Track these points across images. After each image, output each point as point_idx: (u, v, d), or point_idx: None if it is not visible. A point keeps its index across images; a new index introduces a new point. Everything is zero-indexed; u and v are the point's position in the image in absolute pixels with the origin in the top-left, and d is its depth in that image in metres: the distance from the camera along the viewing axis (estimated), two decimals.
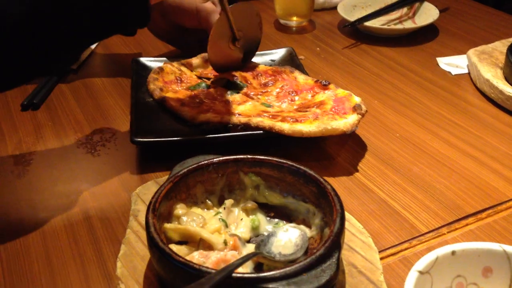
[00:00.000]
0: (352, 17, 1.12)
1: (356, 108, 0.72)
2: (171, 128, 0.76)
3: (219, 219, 0.59)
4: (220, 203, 0.61)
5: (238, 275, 0.47)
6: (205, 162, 0.60)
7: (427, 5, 1.17)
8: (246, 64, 0.90)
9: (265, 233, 0.59)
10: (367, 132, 0.80)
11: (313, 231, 0.57)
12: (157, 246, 0.50)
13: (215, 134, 0.73)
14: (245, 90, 0.83)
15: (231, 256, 0.53)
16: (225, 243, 0.55)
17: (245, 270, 0.53)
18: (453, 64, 1.00)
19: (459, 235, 0.62)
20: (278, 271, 0.47)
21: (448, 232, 0.62)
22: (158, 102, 0.81)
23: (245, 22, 0.87)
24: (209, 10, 0.90)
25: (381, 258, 0.58)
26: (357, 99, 0.75)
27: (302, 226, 0.59)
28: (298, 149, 0.75)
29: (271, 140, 0.72)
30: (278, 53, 0.97)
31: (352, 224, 0.61)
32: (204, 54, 0.93)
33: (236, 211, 0.61)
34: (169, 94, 0.82)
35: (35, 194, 0.69)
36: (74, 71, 0.99)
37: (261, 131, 0.72)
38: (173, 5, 0.92)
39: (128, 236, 0.59)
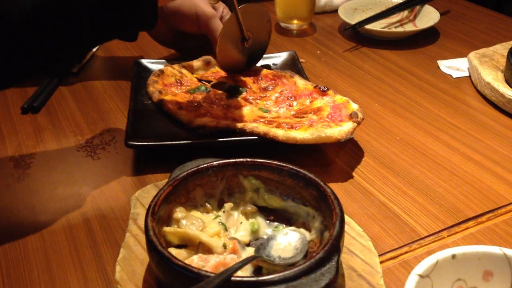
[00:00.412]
0: (352, 20, 1.12)
1: (352, 116, 0.72)
2: (168, 131, 0.76)
3: (219, 222, 0.58)
4: (220, 206, 0.61)
5: (237, 278, 0.47)
6: (204, 165, 0.60)
7: (428, 8, 1.17)
8: (250, 69, 0.90)
9: (265, 237, 0.59)
10: (367, 135, 0.80)
11: (312, 235, 0.57)
12: (156, 249, 0.49)
13: (211, 138, 0.73)
14: (244, 94, 0.83)
15: (231, 259, 0.53)
16: (225, 246, 0.55)
17: (245, 273, 0.53)
18: (454, 67, 0.99)
19: (459, 239, 0.61)
20: (277, 275, 0.46)
21: (448, 236, 0.62)
22: (156, 105, 0.81)
23: (255, 24, 0.87)
24: (209, 15, 0.90)
25: (381, 262, 0.58)
26: (354, 106, 0.75)
27: (301, 230, 0.59)
28: (297, 152, 0.75)
29: (271, 144, 0.72)
30: (281, 57, 0.97)
31: (352, 227, 0.60)
32: (206, 57, 0.93)
33: (236, 214, 0.61)
34: (168, 97, 0.82)
35: (34, 197, 0.69)
36: (74, 74, 0.99)
37: (256, 137, 0.72)
38: (172, 10, 0.92)
39: (127, 239, 0.59)
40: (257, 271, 0.54)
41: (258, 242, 0.58)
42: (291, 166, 0.60)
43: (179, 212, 0.58)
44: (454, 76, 0.97)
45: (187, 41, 0.99)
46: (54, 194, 0.70)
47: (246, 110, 0.78)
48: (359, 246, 0.58)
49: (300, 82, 0.84)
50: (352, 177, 0.72)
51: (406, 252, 0.60)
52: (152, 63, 0.94)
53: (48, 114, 0.87)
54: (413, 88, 0.93)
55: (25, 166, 0.75)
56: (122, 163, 0.75)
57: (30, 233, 0.63)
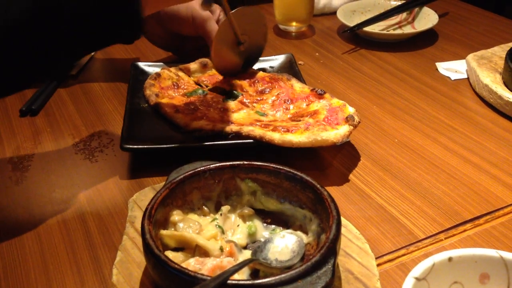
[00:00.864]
0: (351, 22, 1.12)
1: (348, 119, 0.72)
2: (164, 134, 0.76)
3: (216, 225, 0.58)
4: (217, 209, 0.61)
5: (233, 282, 0.47)
6: (201, 168, 0.60)
7: (426, 10, 1.17)
8: (246, 71, 0.90)
9: (262, 239, 0.59)
10: (365, 138, 0.80)
11: (309, 237, 0.57)
12: (152, 253, 0.49)
13: (208, 141, 0.73)
14: (240, 97, 0.83)
15: (227, 262, 0.53)
16: (221, 249, 0.55)
17: (241, 276, 0.53)
18: (452, 69, 0.99)
19: (456, 241, 0.61)
20: (273, 278, 0.46)
21: (445, 238, 0.62)
22: (152, 108, 0.82)
23: (251, 27, 0.87)
24: (205, 18, 0.90)
25: (379, 264, 0.58)
26: (351, 110, 0.75)
27: (298, 232, 0.59)
28: (295, 155, 0.75)
29: (267, 147, 0.72)
30: (278, 60, 0.97)
31: (349, 230, 0.60)
32: (202, 59, 0.93)
33: (233, 217, 0.61)
34: (165, 100, 0.82)
35: (32, 200, 0.69)
36: (73, 77, 0.99)
37: (252, 140, 0.72)
38: (169, 13, 0.92)
39: (124, 242, 0.59)
40: (254, 274, 0.54)
41: (255, 245, 0.58)
42: (288, 169, 0.60)
43: (176, 215, 0.58)
44: (452, 78, 0.97)
45: (185, 43, 0.99)
46: (52, 196, 0.70)
47: (243, 114, 0.78)
48: (356, 249, 0.58)
49: (297, 85, 0.84)
50: (349, 179, 0.72)
51: (403, 255, 0.60)
52: (150, 66, 0.94)
53: (47, 116, 0.87)
54: (411, 90, 0.94)
55: (23, 168, 0.75)
56: (119, 166, 0.75)
57: (27, 236, 0.63)
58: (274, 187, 0.61)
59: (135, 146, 0.73)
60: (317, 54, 1.08)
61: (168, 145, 0.73)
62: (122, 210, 0.66)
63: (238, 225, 0.60)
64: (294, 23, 1.17)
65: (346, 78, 0.98)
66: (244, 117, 0.77)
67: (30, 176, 0.73)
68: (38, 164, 0.76)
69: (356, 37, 1.13)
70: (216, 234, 0.57)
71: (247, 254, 0.56)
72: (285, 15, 1.17)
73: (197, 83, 0.90)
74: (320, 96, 0.80)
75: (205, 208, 0.61)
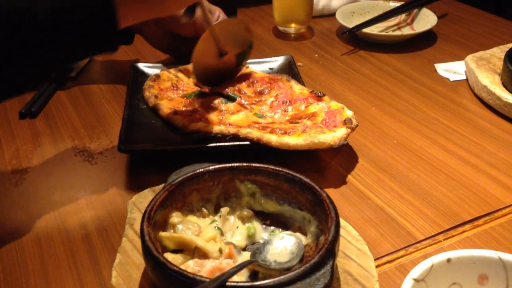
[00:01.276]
0: (350, 24, 1.13)
1: (346, 122, 0.72)
2: (163, 136, 0.77)
3: (215, 227, 0.58)
4: (216, 211, 0.61)
5: (232, 283, 0.47)
6: (200, 170, 0.60)
7: (425, 11, 1.18)
8: (241, 68, 0.90)
9: (261, 241, 0.59)
10: (364, 139, 0.80)
11: (308, 239, 0.57)
12: (151, 254, 0.50)
13: (206, 143, 0.73)
14: (239, 99, 0.83)
15: (226, 264, 0.53)
16: (220, 251, 0.55)
17: (241, 278, 0.53)
18: (451, 70, 1.00)
19: (455, 242, 0.61)
20: (271, 280, 0.47)
21: (444, 239, 0.62)
22: (151, 110, 0.82)
23: (235, 39, 0.86)
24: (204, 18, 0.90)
25: (378, 266, 0.58)
26: (349, 113, 0.75)
27: (298, 234, 0.59)
28: (294, 156, 0.75)
29: (266, 148, 0.72)
30: (277, 61, 0.97)
31: (348, 231, 0.60)
32: None
33: (232, 219, 0.61)
34: (163, 102, 0.82)
35: (32, 202, 0.69)
36: (72, 79, 1.00)
37: (249, 142, 0.72)
38: (169, 15, 0.92)
39: (123, 244, 0.59)
40: (253, 275, 0.54)
41: (254, 246, 0.58)
42: (287, 171, 0.60)
43: (175, 217, 0.58)
44: (451, 80, 0.97)
45: (184, 45, 0.99)
46: (52, 199, 0.70)
47: (241, 116, 0.78)
48: (355, 250, 0.58)
49: (296, 86, 0.84)
50: (348, 180, 0.72)
51: (402, 256, 0.60)
52: (149, 67, 0.94)
53: (46, 119, 0.87)
54: (410, 91, 0.94)
55: (22, 171, 0.75)
56: (119, 168, 0.75)
57: (27, 238, 0.63)
58: (273, 188, 0.61)
59: (133, 148, 0.73)
60: (316, 55, 1.08)
61: (166, 147, 0.74)
62: (122, 212, 0.66)
63: (237, 227, 0.60)
64: (293, 25, 1.17)
65: (345, 79, 0.99)
66: (242, 119, 0.77)
67: (29, 178, 0.74)
68: (38, 166, 0.76)
69: (355, 39, 1.13)
70: (215, 236, 0.57)
71: (246, 256, 0.56)
72: (284, 17, 1.17)
73: (196, 85, 0.90)
74: (319, 98, 0.80)
75: (204, 210, 0.61)
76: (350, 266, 0.56)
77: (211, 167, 0.61)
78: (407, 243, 0.61)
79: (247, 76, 0.89)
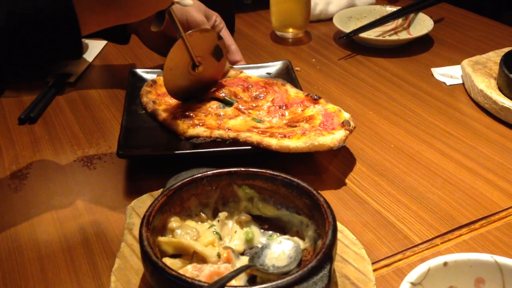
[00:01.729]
0: (347, 29, 1.13)
1: (344, 124, 0.73)
2: (161, 141, 0.77)
3: (213, 231, 0.59)
4: (214, 215, 0.62)
5: None
6: (199, 175, 0.61)
7: (421, 16, 1.18)
8: (224, 63, 0.87)
9: (259, 245, 0.59)
10: (362, 143, 0.81)
11: (306, 243, 0.58)
12: (150, 259, 0.50)
13: (205, 148, 0.74)
14: (236, 104, 0.83)
15: (225, 269, 0.53)
16: (219, 255, 0.55)
17: (239, 283, 0.53)
18: (448, 74, 1.00)
19: (452, 246, 0.62)
20: (269, 284, 0.47)
21: (441, 243, 0.62)
22: (150, 115, 0.82)
23: (206, 48, 0.83)
24: (200, 22, 0.91)
25: (375, 270, 0.58)
26: (346, 115, 0.75)
27: (295, 238, 0.59)
28: (291, 161, 0.75)
29: (264, 153, 0.72)
30: (275, 66, 0.97)
31: (345, 235, 0.61)
32: None
33: (230, 223, 0.61)
34: (162, 107, 0.83)
35: (31, 207, 0.70)
36: (71, 84, 1.00)
37: (249, 147, 0.72)
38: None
39: (122, 249, 0.59)
40: (252, 280, 0.54)
41: (253, 251, 0.59)
42: (284, 175, 0.60)
43: (173, 222, 0.58)
44: (447, 84, 0.98)
45: None
46: (51, 204, 0.70)
47: (240, 120, 0.79)
48: (352, 254, 0.58)
49: (291, 90, 0.85)
50: (346, 184, 0.72)
51: (399, 260, 0.60)
52: (148, 72, 0.94)
53: (45, 124, 0.88)
54: (407, 95, 0.94)
55: (21, 176, 0.75)
56: (118, 173, 0.75)
57: (26, 243, 0.64)
58: (271, 193, 0.61)
59: (132, 153, 0.73)
60: (313, 60, 1.09)
61: (165, 152, 0.74)
62: (120, 217, 0.67)
63: (235, 231, 0.60)
64: (290, 30, 1.18)
65: (342, 84, 0.99)
66: (241, 124, 0.78)
67: (28, 183, 0.74)
68: (37, 171, 0.76)
69: (352, 43, 1.14)
70: (214, 241, 0.57)
71: (244, 260, 0.56)
72: (281, 22, 1.17)
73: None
74: (315, 101, 0.80)
75: (203, 215, 0.61)
76: (347, 270, 0.56)
77: (209, 172, 0.61)
78: (404, 246, 0.62)
79: (242, 81, 0.89)
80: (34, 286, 0.58)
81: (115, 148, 0.74)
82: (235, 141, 0.74)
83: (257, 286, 0.47)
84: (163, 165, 0.74)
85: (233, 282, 0.51)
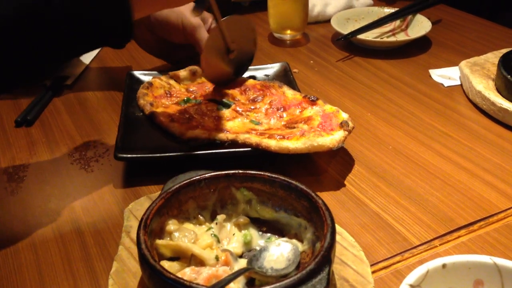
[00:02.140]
0: (345, 30, 1.13)
1: (343, 125, 0.73)
2: (159, 144, 0.77)
3: (211, 234, 0.59)
4: (212, 218, 0.61)
5: None
6: (196, 177, 0.60)
7: (419, 18, 1.18)
8: (238, 78, 0.91)
9: (258, 248, 0.59)
10: (360, 145, 0.80)
11: (305, 246, 0.57)
12: (148, 263, 0.50)
13: (203, 150, 0.73)
14: (233, 106, 0.83)
15: (223, 271, 0.53)
16: (217, 258, 0.55)
17: (237, 285, 0.53)
18: (446, 75, 1.00)
19: (451, 248, 0.62)
20: (267, 287, 0.47)
21: (440, 245, 0.62)
22: (147, 117, 0.82)
23: (240, 35, 0.88)
24: (195, 25, 0.91)
25: (373, 272, 0.58)
26: (344, 116, 0.75)
27: (294, 241, 0.59)
28: (290, 163, 0.75)
29: (263, 155, 0.72)
30: (273, 68, 0.97)
31: (344, 237, 0.61)
32: (192, 67, 0.93)
33: (228, 226, 0.61)
34: (160, 109, 0.82)
35: (28, 210, 0.69)
36: (68, 86, 1.00)
37: (249, 148, 0.72)
38: (159, 20, 0.93)
39: (120, 252, 0.59)
40: (250, 282, 0.54)
41: (251, 253, 0.58)
42: (283, 178, 0.60)
43: (171, 225, 0.58)
44: (445, 85, 0.97)
45: (176, 51, 1.00)
46: (48, 207, 0.70)
47: (238, 122, 0.79)
48: (351, 257, 0.58)
49: (288, 92, 0.85)
50: (344, 186, 0.72)
51: (398, 262, 0.60)
52: (145, 74, 0.94)
53: (42, 127, 0.87)
54: (405, 97, 0.94)
55: (18, 179, 0.75)
56: (115, 176, 0.75)
57: (23, 246, 0.63)
58: (269, 195, 0.61)
59: (129, 155, 0.73)
60: (311, 62, 1.09)
61: (162, 155, 0.74)
62: (118, 219, 0.66)
63: (233, 234, 0.60)
64: (288, 31, 1.18)
65: (340, 85, 0.99)
66: (239, 126, 0.78)
67: (25, 186, 0.74)
68: (34, 174, 0.76)
69: (350, 45, 1.14)
70: (212, 243, 0.57)
71: (242, 263, 0.56)
72: (279, 24, 1.17)
73: (188, 91, 0.90)
74: (312, 102, 0.80)
75: (201, 217, 0.61)
76: (346, 272, 0.56)
77: (207, 175, 0.61)
78: (403, 248, 0.62)
79: (239, 84, 0.89)
80: None
81: (113, 150, 0.74)
82: (233, 143, 0.74)
83: None
84: (161, 167, 0.74)
85: (231, 285, 0.51)
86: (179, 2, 0.72)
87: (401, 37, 1.16)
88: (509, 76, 0.85)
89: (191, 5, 0.84)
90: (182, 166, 0.67)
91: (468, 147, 0.80)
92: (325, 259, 0.49)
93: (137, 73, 0.94)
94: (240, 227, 0.61)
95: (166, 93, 0.88)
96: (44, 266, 0.61)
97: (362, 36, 1.11)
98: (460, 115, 0.88)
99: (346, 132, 0.72)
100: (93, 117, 0.90)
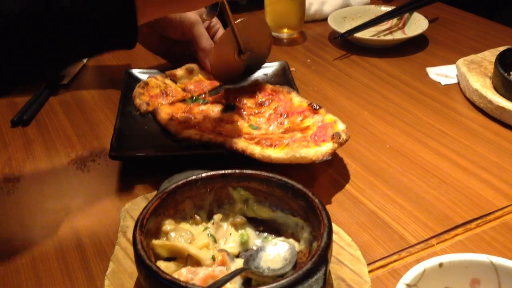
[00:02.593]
0: (342, 29, 1.13)
1: (334, 137, 0.70)
2: (155, 143, 0.77)
3: (208, 234, 0.58)
4: (209, 218, 0.61)
5: None
6: (193, 177, 0.60)
7: (416, 16, 1.18)
8: (244, 81, 0.91)
9: (254, 248, 0.59)
10: (357, 143, 0.80)
11: (301, 245, 0.57)
12: (143, 263, 0.49)
13: (197, 150, 0.74)
14: (238, 109, 0.82)
15: (219, 272, 0.53)
16: (213, 258, 0.55)
17: (234, 286, 0.53)
18: (443, 74, 1.00)
19: (448, 246, 0.62)
20: (264, 287, 0.46)
21: (437, 243, 0.62)
22: (143, 116, 0.82)
23: (255, 37, 0.89)
24: (193, 21, 0.90)
25: (371, 271, 0.58)
26: (341, 127, 0.73)
27: (291, 240, 0.59)
28: None
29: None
30: (272, 67, 0.96)
31: (341, 237, 0.61)
32: (188, 65, 0.93)
33: (225, 226, 0.61)
34: (164, 107, 0.82)
35: (24, 211, 0.69)
36: (65, 86, 0.99)
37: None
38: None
39: (116, 253, 0.59)
40: (247, 282, 0.54)
41: (248, 253, 0.58)
42: (279, 177, 0.60)
43: (168, 225, 0.58)
44: (443, 83, 0.97)
45: (174, 48, 0.99)
46: (44, 207, 0.69)
47: (236, 126, 0.78)
48: (348, 256, 0.58)
49: (296, 99, 0.83)
50: (341, 185, 0.72)
51: (395, 261, 0.60)
52: (144, 73, 0.94)
53: (38, 127, 0.87)
54: (402, 95, 0.94)
55: (14, 180, 0.75)
56: (112, 176, 0.75)
57: (19, 247, 0.63)
58: (266, 195, 0.61)
59: (124, 155, 0.73)
60: (308, 60, 1.08)
61: (156, 153, 0.73)
62: (115, 220, 0.66)
63: (230, 234, 0.60)
64: (285, 30, 1.17)
65: (337, 84, 0.99)
66: (235, 129, 0.77)
67: (21, 187, 0.73)
68: (30, 175, 0.76)
69: (347, 43, 1.14)
70: (208, 243, 0.57)
71: (239, 263, 0.56)
72: (276, 22, 1.17)
73: (185, 90, 0.90)
74: (315, 111, 0.78)
75: (197, 217, 0.61)
76: (343, 272, 0.56)
77: (203, 174, 0.61)
78: (400, 247, 0.62)
79: (251, 87, 0.88)
80: None
81: (109, 150, 0.73)
82: (221, 146, 0.73)
83: None
84: (158, 167, 0.74)
85: (228, 285, 0.51)
86: (189, 7, 0.71)
87: (398, 35, 1.15)
88: (506, 74, 0.85)
89: None
90: (179, 166, 0.67)
91: (465, 145, 0.80)
92: (322, 258, 0.49)
93: (135, 71, 0.94)
94: (237, 226, 0.61)
95: (162, 92, 0.87)
96: (41, 267, 0.60)
97: (359, 35, 1.11)
98: (457, 113, 0.88)
99: (336, 145, 0.69)
100: (90, 116, 0.90)
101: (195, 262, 0.55)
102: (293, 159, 0.68)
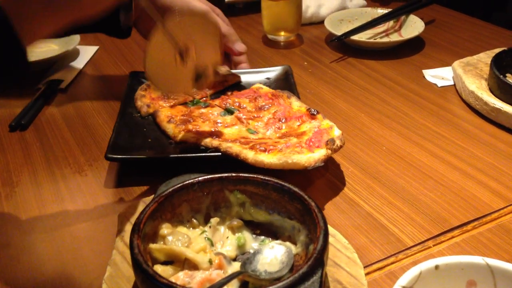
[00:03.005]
0: (339, 31, 1.14)
1: (328, 143, 0.70)
2: (152, 145, 0.77)
3: (205, 237, 0.59)
4: (206, 221, 0.61)
5: None
6: (190, 181, 0.60)
7: (412, 18, 1.19)
8: (201, 89, 0.83)
9: (251, 251, 0.59)
10: (354, 146, 0.81)
11: (298, 248, 0.57)
12: (140, 267, 0.50)
13: (193, 153, 0.74)
14: (236, 113, 0.82)
15: (216, 275, 0.53)
16: (210, 262, 0.55)
17: None
18: (439, 76, 1.01)
19: (444, 248, 0.62)
20: None
21: (434, 245, 0.62)
22: (144, 118, 0.83)
23: (200, 35, 0.71)
24: (204, 10, 0.88)
25: (367, 273, 0.58)
26: (336, 133, 0.72)
27: (287, 243, 0.59)
28: None
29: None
30: (275, 71, 0.96)
31: (337, 239, 0.61)
32: None
33: (222, 229, 0.61)
34: (164, 109, 0.83)
35: (22, 215, 0.69)
36: (62, 91, 1.00)
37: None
38: (164, 7, 0.87)
39: (114, 257, 0.59)
40: (244, 286, 0.54)
41: (245, 256, 0.58)
42: (276, 180, 0.60)
43: (165, 229, 0.58)
44: (439, 85, 0.98)
45: None
46: (42, 211, 0.70)
47: (234, 130, 0.78)
48: (344, 259, 0.58)
49: (295, 103, 0.83)
50: (338, 188, 0.72)
51: (392, 263, 0.60)
52: None
53: (36, 131, 0.87)
54: (399, 97, 0.94)
55: (12, 184, 0.75)
56: (109, 180, 0.75)
57: (17, 252, 0.63)
58: (263, 198, 0.61)
59: (119, 156, 0.73)
60: (305, 63, 1.09)
61: (151, 156, 0.74)
62: (112, 224, 0.66)
63: (227, 237, 0.60)
64: (282, 33, 1.18)
65: (334, 86, 0.99)
66: (233, 133, 0.77)
67: (19, 191, 0.73)
68: (28, 179, 0.76)
69: (344, 46, 1.14)
70: (205, 247, 0.57)
71: (236, 266, 0.56)
72: (273, 25, 1.18)
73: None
74: (312, 116, 0.78)
75: (194, 221, 0.61)
76: (340, 274, 0.56)
77: (200, 178, 0.61)
78: (396, 249, 0.62)
79: (253, 92, 0.88)
80: None
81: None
82: (216, 150, 0.73)
83: None
84: (155, 171, 0.74)
85: None
86: (87, 10, 0.57)
87: (395, 37, 1.16)
88: (501, 76, 0.85)
89: None
90: (176, 168, 0.67)
91: (461, 147, 0.80)
92: (318, 261, 0.49)
93: (140, 73, 0.94)
94: (233, 230, 0.61)
95: (163, 94, 0.88)
96: (38, 271, 0.60)
97: (355, 37, 1.12)
98: (454, 115, 0.89)
99: (329, 151, 0.69)
100: (87, 121, 0.90)
101: (192, 265, 0.55)
102: (285, 164, 0.68)
